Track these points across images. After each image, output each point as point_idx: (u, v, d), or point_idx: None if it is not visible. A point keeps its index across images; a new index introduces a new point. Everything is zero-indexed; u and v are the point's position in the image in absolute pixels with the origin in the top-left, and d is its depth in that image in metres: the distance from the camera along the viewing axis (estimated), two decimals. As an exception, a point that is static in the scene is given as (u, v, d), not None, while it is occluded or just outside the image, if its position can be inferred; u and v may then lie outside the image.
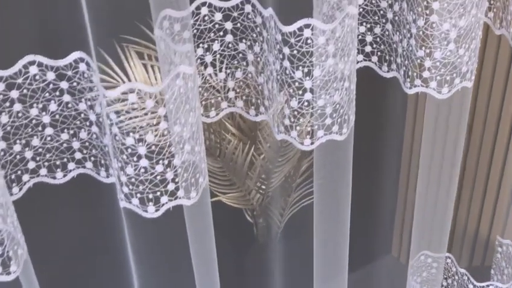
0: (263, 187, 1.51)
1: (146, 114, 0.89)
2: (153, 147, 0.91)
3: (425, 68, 1.06)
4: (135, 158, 0.91)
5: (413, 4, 1.02)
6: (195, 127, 0.93)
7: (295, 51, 0.96)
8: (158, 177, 0.93)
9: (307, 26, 0.94)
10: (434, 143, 1.26)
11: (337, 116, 1.01)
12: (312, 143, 1.02)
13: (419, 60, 1.06)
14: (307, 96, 0.99)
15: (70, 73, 0.94)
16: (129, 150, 0.91)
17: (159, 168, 0.92)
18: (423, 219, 1.35)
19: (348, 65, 0.99)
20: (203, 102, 1.05)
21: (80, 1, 0.84)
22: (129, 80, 1.01)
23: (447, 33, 1.03)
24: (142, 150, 0.91)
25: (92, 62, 0.90)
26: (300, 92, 0.99)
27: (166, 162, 0.92)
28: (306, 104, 0.99)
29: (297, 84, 0.98)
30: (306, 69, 0.97)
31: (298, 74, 0.97)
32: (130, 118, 0.89)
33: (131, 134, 0.90)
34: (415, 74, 1.07)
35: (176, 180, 0.94)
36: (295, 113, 1.00)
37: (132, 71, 1.03)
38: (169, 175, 0.93)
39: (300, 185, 1.54)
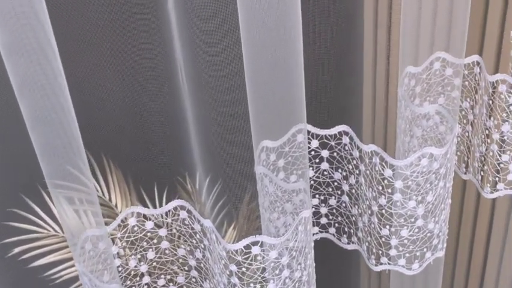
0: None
1: None
2: None
3: (391, 247, 0.93)
4: None
5: (371, 181, 0.89)
6: None
7: (243, 269, 0.82)
8: None
9: (254, 243, 0.80)
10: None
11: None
12: None
13: (383, 239, 0.93)
14: (264, 313, 0.85)
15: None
16: None
17: None
18: None
19: (306, 270, 0.85)
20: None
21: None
22: (60, 228, 0.89)
23: (413, 210, 0.90)
24: None
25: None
26: (257, 309, 0.85)
27: None
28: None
29: (250, 301, 0.84)
30: (258, 287, 0.83)
31: (249, 292, 0.83)
32: None
33: None
34: (380, 252, 0.94)
35: None
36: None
37: (63, 217, 0.90)
38: None
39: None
